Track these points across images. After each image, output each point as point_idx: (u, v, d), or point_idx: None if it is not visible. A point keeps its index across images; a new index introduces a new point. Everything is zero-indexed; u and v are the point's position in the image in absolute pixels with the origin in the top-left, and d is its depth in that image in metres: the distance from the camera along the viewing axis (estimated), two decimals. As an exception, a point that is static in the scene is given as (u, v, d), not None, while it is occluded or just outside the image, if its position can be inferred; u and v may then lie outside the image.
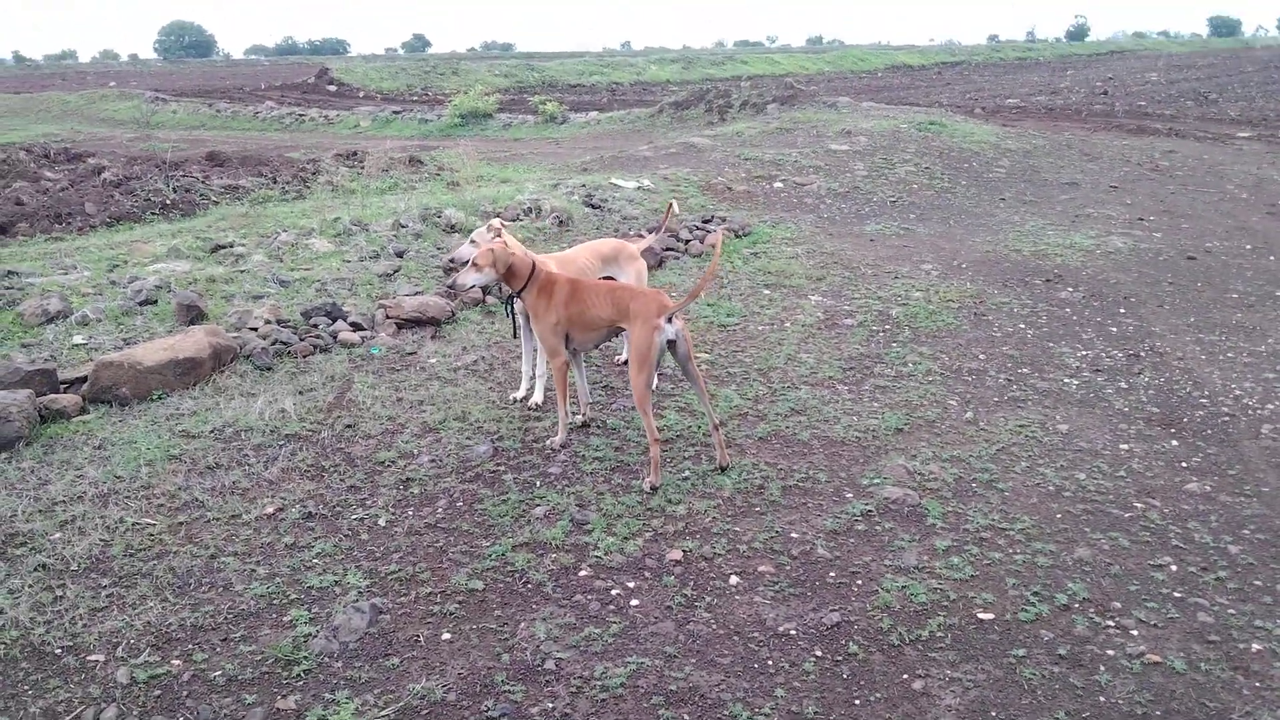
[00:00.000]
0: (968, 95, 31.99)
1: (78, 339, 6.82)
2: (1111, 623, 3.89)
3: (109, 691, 3.52)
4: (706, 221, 10.62)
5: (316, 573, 4.24)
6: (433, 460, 5.32)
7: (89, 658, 3.70)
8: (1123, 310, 8.02)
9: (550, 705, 3.44)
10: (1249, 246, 10.07)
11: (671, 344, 4.96)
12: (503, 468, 5.24)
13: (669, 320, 4.91)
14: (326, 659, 3.70)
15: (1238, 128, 19.44)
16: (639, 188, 11.90)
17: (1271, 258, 9.61)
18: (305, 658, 3.69)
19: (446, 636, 3.84)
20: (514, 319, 5.88)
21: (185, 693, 3.52)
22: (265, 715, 3.40)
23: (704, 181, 12.69)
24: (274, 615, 3.96)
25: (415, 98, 33.84)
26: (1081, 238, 10.41)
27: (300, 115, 27.17)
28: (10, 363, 5.90)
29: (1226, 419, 5.88)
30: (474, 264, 5.19)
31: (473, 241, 5.85)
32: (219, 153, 15.94)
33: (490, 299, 8.10)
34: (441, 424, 5.75)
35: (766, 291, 8.53)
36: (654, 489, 4.95)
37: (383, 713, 3.40)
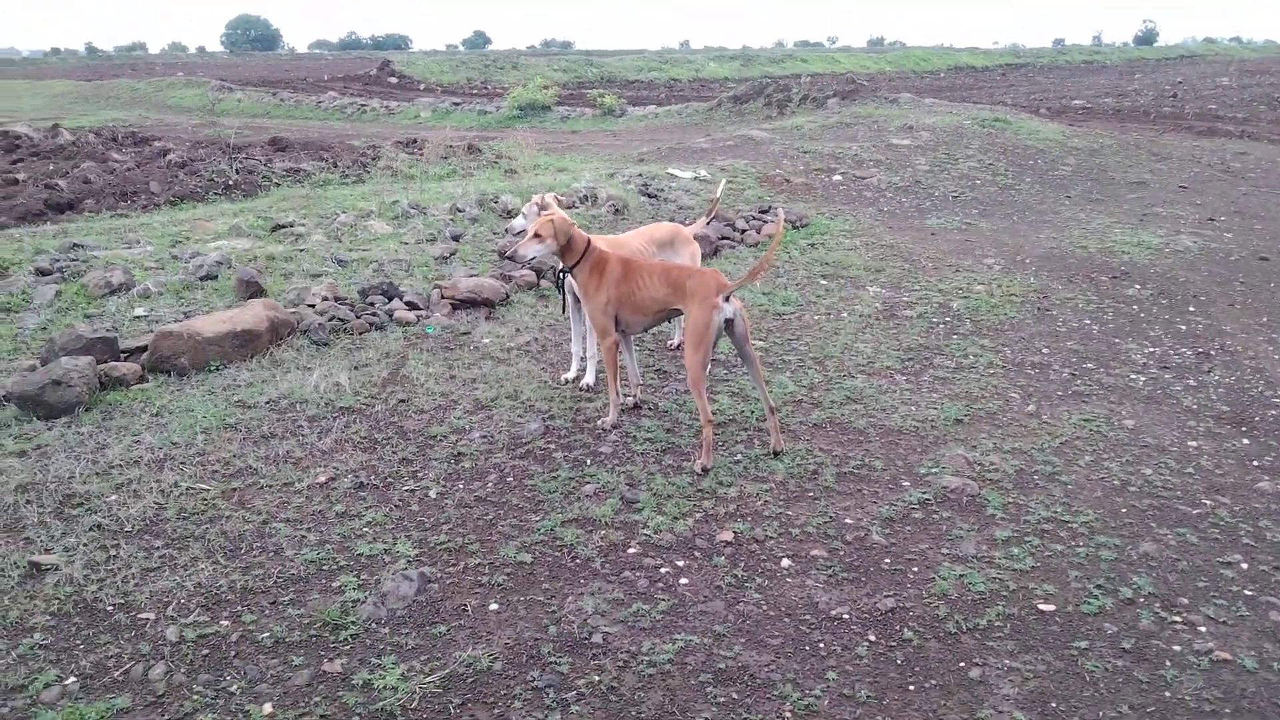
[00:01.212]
0: (1032, 96, 31.37)
1: (139, 311, 6.93)
2: (1178, 618, 3.74)
3: (158, 649, 3.54)
4: (764, 211, 10.52)
5: (366, 541, 4.24)
6: (484, 436, 5.30)
7: (139, 615, 3.73)
8: (1192, 309, 7.77)
9: (596, 678, 3.39)
10: (1326, 248, 9.72)
11: (729, 324, 4.88)
12: (553, 445, 5.20)
13: (726, 299, 4.84)
14: (374, 625, 3.69)
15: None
16: (695, 178, 11.82)
17: (1351, 260, 9.26)
18: (353, 623, 3.68)
19: (494, 607, 3.81)
20: (564, 297, 5.84)
21: (233, 653, 3.52)
22: (312, 677, 3.39)
23: (761, 173, 12.57)
24: (323, 581, 3.96)
25: (475, 90, 34.10)
26: (1150, 236, 10.12)
27: (362, 105, 27.51)
28: (73, 330, 6.00)
29: (1303, 419, 5.65)
30: (535, 234, 5.15)
31: (523, 215, 5.83)
32: (282, 138, 16.17)
33: (544, 282, 8.09)
34: (494, 401, 5.74)
35: (823, 282, 8.41)
36: (705, 470, 4.88)
37: (429, 679, 3.37)
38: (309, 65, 63.32)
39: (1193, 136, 17.94)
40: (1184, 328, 7.30)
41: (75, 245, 8.13)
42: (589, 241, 5.28)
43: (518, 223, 5.75)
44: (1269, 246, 9.75)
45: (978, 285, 8.23)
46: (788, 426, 5.40)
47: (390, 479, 4.82)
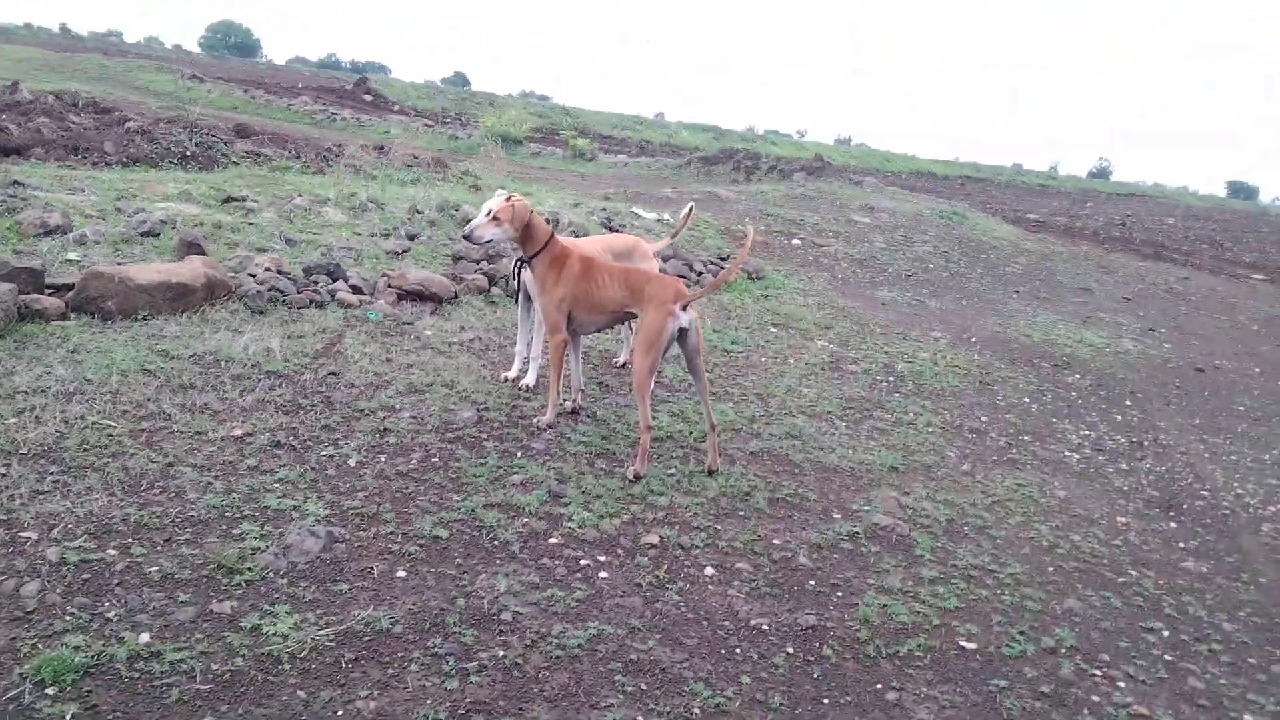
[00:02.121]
0: (988, 205, 32.29)
1: (72, 255, 6.64)
2: (1099, 672, 3.68)
3: (35, 567, 3.28)
4: (723, 259, 10.54)
5: (276, 496, 4.01)
6: (414, 417, 5.12)
7: (20, 534, 3.46)
8: (1129, 402, 7.89)
9: (501, 653, 3.21)
10: (1258, 369, 10.00)
11: (683, 333, 4.80)
12: (485, 435, 5.04)
13: (684, 308, 4.77)
14: (271, 574, 3.47)
15: (1252, 270, 19.54)
16: (659, 220, 11.85)
17: None
18: (249, 569, 3.46)
19: (401, 574, 3.61)
20: (518, 290, 5.71)
21: (116, 581, 3.28)
22: (197, 614, 3.16)
23: (723, 227, 12.65)
24: (224, 527, 3.73)
25: (448, 118, 34.07)
26: (1093, 335, 10.33)
27: (333, 114, 27.31)
28: (-1, 256, 5.71)
29: (1227, 512, 5.71)
30: (494, 216, 5.03)
31: (488, 206, 5.72)
32: (247, 125, 15.88)
33: (495, 289, 7.96)
34: (428, 387, 5.56)
35: (774, 329, 8.40)
36: (638, 478, 4.74)
37: (323, 631, 3.16)
38: (285, 74, 62.97)
39: (1139, 258, 18.53)
40: (1119, 418, 7.40)
41: (16, 183, 7.80)
42: (551, 234, 5.18)
43: (483, 209, 5.64)
44: (1205, 360, 10.01)
45: (922, 353, 8.29)
46: (725, 451, 5.30)
47: (309, 443, 4.60)
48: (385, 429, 4.91)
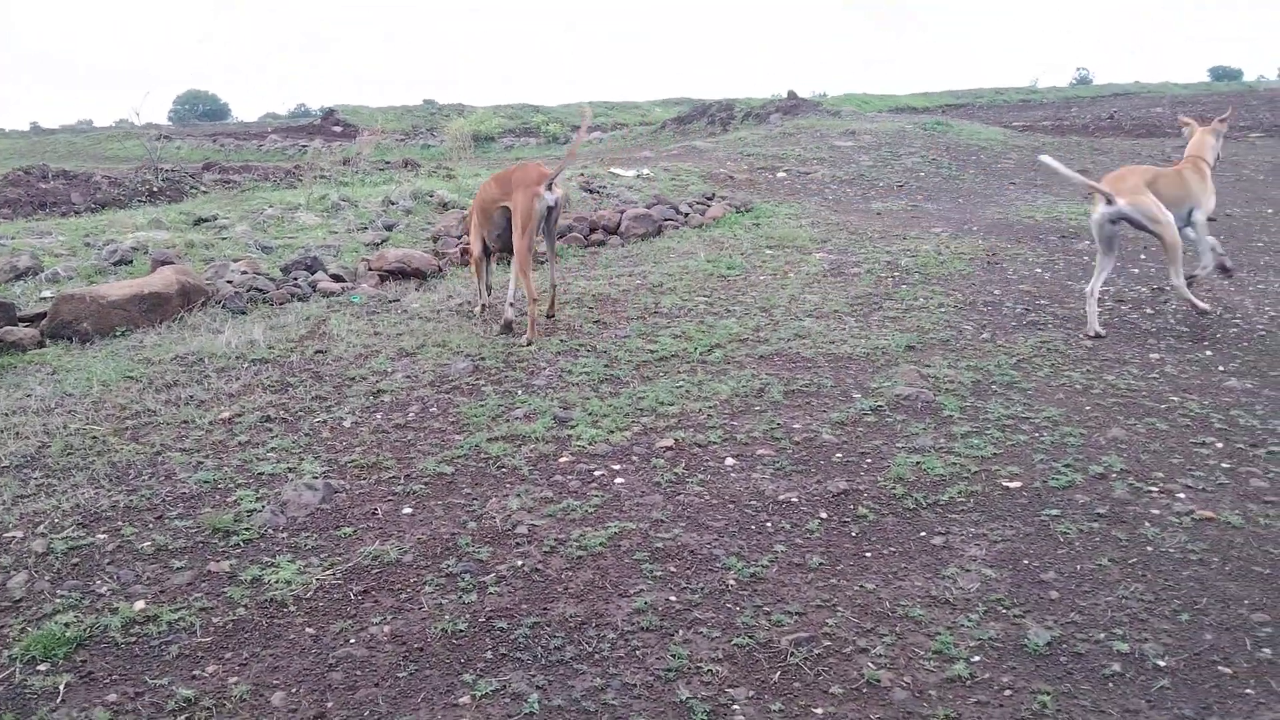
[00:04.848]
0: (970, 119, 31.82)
1: (46, 294, 6.48)
2: (1155, 488, 3.46)
3: (20, 560, 3.11)
4: (709, 198, 10.31)
5: (270, 463, 3.84)
6: (407, 376, 4.94)
7: (4, 534, 3.30)
8: (1144, 256, 7.63)
9: (520, 563, 3.02)
10: (1270, 211, 9.70)
11: (550, 210, 5.61)
12: (482, 381, 4.85)
13: (549, 188, 5.52)
14: (270, 530, 3.29)
15: (1249, 132, 19.13)
16: (639, 175, 11.61)
17: (1295, 220, 9.22)
18: (246, 529, 3.28)
19: (408, 511, 3.43)
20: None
21: (107, 561, 3.11)
22: (194, 577, 2.99)
23: (706, 172, 12.40)
24: (217, 498, 3.56)
25: (421, 133, 33.87)
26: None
27: (303, 146, 27.13)
28: (-36, 295, 5.56)
29: (1263, 333, 5.46)
30: None
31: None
32: (215, 162, 15.77)
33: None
34: (419, 349, 5.38)
35: (769, 251, 8.17)
36: (529, 342, 5.39)
37: (327, 572, 2.98)
38: (256, 129, 62.92)
39: (1131, 139, 18.15)
40: (1137, 270, 7.14)
41: (-20, 237, 7.67)
42: None
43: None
44: (1218, 212, 9.66)
45: (925, 247, 8.04)
46: (731, 358, 5.10)
47: (301, 414, 4.43)
48: (379, 390, 4.73)
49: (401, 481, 3.67)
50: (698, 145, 15.52)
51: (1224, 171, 12.67)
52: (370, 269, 7.09)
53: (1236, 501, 3.35)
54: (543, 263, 6.40)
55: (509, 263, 6.15)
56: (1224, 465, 3.66)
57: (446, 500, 3.51)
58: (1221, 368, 4.88)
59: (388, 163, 13.79)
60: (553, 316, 5.92)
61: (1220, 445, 3.86)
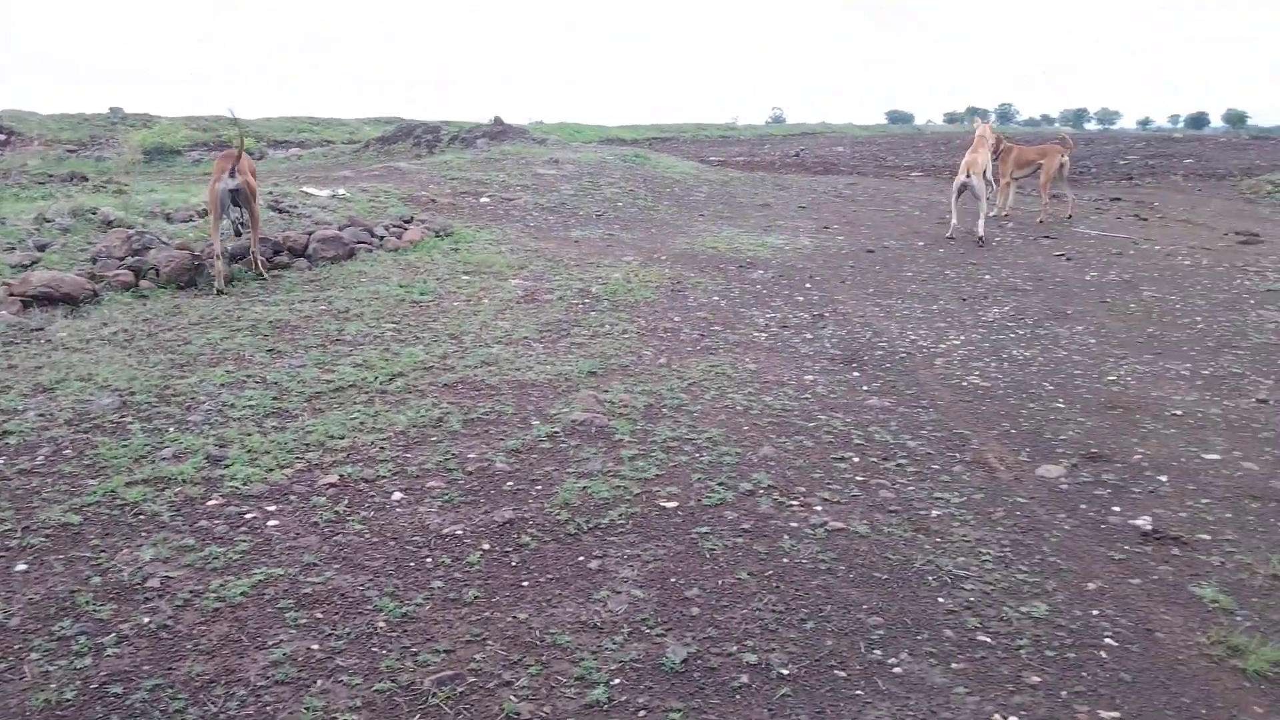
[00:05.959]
0: (674, 154, 33.50)
1: None
2: (796, 502, 3.73)
3: None
4: (406, 221, 10.10)
5: None
6: (40, 414, 4.42)
7: None
8: (809, 285, 8.30)
9: (146, 620, 2.76)
10: (921, 243, 10.87)
11: (236, 192, 7.13)
12: (129, 418, 4.43)
13: (231, 175, 7.02)
14: None
15: (910, 172, 21.45)
16: (334, 195, 11.18)
17: (941, 250, 10.39)
18: None
19: (21, 568, 3.05)
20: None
21: None
22: None
23: (407, 194, 12.15)
24: None
25: (99, 144, 30.85)
26: (773, 239, 10.83)
27: (-50, 155, 23.91)
28: None
29: (904, 356, 6.08)
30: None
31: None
32: None
33: (144, 282, 7.15)
34: (59, 383, 4.84)
35: (466, 277, 8.11)
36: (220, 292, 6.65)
37: (-99, 648, 2.58)
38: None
39: (811, 175, 19.81)
40: (801, 299, 7.75)
41: None
42: None
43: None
44: (874, 244, 10.74)
45: (615, 275, 8.31)
46: (414, 387, 5.00)
47: (-102, 462, 3.85)
48: (4, 432, 4.20)
49: (17, 535, 3.26)
50: (401, 166, 15.23)
51: (883, 209, 14.11)
52: (11, 294, 6.32)
53: (866, 512, 3.68)
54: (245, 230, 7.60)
55: None
56: (858, 478, 4.02)
57: (69, 554, 3.16)
58: (865, 387, 5.38)
59: (51, 176, 12.43)
60: (263, 276, 7.52)
61: (856, 460, 4.23)
